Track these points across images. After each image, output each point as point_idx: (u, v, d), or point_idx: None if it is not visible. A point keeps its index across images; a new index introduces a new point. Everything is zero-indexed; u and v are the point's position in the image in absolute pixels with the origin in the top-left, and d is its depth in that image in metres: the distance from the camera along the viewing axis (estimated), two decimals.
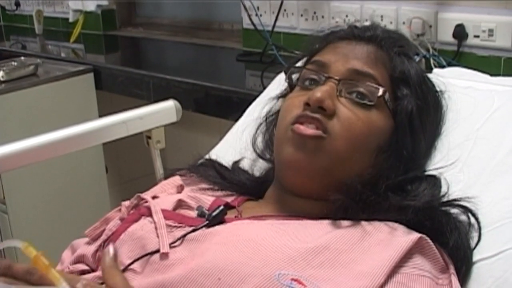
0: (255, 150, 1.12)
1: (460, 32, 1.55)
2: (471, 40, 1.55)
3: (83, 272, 0.94)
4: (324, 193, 0.90)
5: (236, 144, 1.20)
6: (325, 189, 0.90)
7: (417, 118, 0.95)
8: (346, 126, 0.90)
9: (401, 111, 0.94)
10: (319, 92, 0.90)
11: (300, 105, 0.92)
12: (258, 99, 1.33)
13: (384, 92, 0.92)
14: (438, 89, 1.04)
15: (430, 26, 1.62)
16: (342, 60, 0.95)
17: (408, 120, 0.94)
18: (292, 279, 0.75)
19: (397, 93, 0.95)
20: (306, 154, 0.89)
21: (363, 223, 0.86)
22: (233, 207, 0.97)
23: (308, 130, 0.89)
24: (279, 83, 1.21)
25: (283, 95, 1.07)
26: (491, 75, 1.22)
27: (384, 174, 0.91)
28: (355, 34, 0.99)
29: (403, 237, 0.82)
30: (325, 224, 0.87)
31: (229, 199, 1.01)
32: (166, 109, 1.46)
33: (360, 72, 0.93)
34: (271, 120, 1.09)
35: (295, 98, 0.96)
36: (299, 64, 1.05)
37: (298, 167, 0.90)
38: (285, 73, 1.02)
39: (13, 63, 2.19)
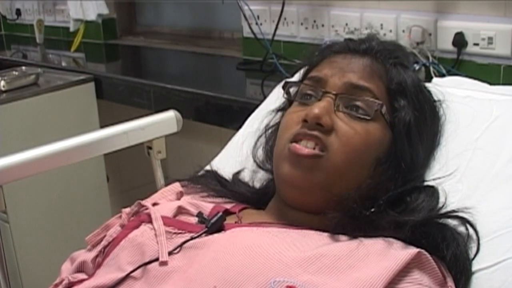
0: (255, 161, 1.12)
1: (459, 40, 1.55)
2: (470, 48, 1.55)
3: (82, 282, 0.94)
4: (323, 206, 0.90)
5: (237, 155, 1.21)
6: (324, 203, 0.90)
7: (415, 128, 0.95)
8: (344, 142, 0.90)
9: (399, 123, 0.94)
10: (316, 109, 0.90)
11: (299, 121, 0.93)
12: (258, 109, 1.33)
13: (381, 106, 0.93)
14: (436, 98, 1.04)
15: (430, 34, 1.62)
16: (339, 74, 0.95)
17: (406, 131, 0.94)
18: (287, 286, 0.75)
19: (394, 105, 0.95)
20: (302, 172, 0.90)
21: (361, 238, 0.86)
22: (233, 213, 0.98)
23: (303, 150, 0.90)
24: (278, 93, 1.21)
25: (281, 109, 1.08)
26: (491, 83, 1.22)
27: (383, 186, 0.92)
28: (350, 47, 1.00)
29: (401, 251, 0.82)
30: (324, 236, 0.87)
31: (228, 206, 1.01)
32: (167, 120, 1.46)
33: (356, 86, 0.94)
34: (271, 132, 1.09)
35: (293, 114, 0.96)
36: (296, 76, 1.05)
37: (295, 184, 0.91)
38: (283, 88, 1.02)
39: (14, 72, 2.20)
